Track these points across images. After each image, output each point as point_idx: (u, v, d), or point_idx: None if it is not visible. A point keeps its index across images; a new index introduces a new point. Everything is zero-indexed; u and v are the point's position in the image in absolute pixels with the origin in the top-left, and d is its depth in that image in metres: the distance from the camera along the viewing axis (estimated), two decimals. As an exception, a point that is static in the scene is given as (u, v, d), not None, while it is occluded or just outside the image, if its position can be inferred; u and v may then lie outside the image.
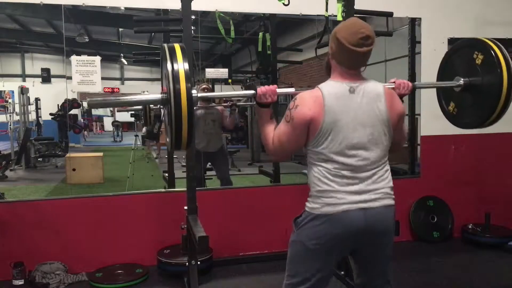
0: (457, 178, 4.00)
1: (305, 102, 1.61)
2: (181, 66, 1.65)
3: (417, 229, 3.90)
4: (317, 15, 3.28)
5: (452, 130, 3.96)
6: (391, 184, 1.69)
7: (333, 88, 1.63)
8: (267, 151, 1.77)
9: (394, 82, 1.92)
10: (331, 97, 1.60)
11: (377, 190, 1.63)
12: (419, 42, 3.92)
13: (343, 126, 1.59)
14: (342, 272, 2.96)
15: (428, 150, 3.99)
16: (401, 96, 1.87)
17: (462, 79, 2.21)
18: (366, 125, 1.61)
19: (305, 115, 1.59)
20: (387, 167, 1.70)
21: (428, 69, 3.83)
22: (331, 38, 1.67)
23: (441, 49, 3.90)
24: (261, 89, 1.77)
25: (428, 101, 3.88)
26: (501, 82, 2.03)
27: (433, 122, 3.92)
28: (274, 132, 1.72)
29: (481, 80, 2.13)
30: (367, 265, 1.76)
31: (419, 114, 3.99)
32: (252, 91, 1.80)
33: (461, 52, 2.28)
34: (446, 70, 2.38)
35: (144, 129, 7.86)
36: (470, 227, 3.90)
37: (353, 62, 1.63)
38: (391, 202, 1.68)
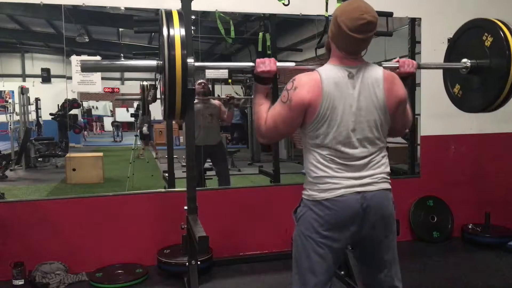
0: (457, 178, 4.00)
1: (304, 84, 1.57)
2: (177, 31, 1.59)
3: (417, 229, 3.90)
4: (317, 15, 3.29)
5: (452, 130, 4.01)
6: (388, 169, 1.67)
7: (331, 72, 1.59)
8: (257, 132, 1.71)
9: (398, 61, 1.88)
10: (329, 82, 1.56)
11: (373, 176, 1.62)
12: (419, 42, 3.92)
13: (340, 112, 1.57)
14: (342, 272, 2.96)
15: (428, 150, 3.98)
16: (407, 75, 1.84)
17: (469, 61, 2.15)
18: (364, 111, 1.59)
19: (304, 98, 1.56)
20: (384, 152, 1.68)
21: (428, 69, 3.83)
22: (332, 20, 1.62)
23: (441, 49, 3.85)
24: (260, 59, 1.72)
25: (428, 101, 3.89)
26: (509, 65, 1.97)
27: (433, 122, 3.94)
28: (268, 112, 1.67)
29: (489, 63, 2.06)
30: (370, 259, 1.72)
31: (419, 114, 3.99)
32: (251, 63, 1.75)
33: (469, 33, 2.21)
34: (453, 51, 2.31)
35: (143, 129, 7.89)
36: (470, 227, 3.89)
37: (352, 48, 1.59)
38: (388, 186, 1.66)
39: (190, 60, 1.64)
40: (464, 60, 2.18)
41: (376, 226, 1.64)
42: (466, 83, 2.26)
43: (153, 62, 1.73)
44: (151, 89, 4.17)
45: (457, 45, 2.31)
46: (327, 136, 1.59)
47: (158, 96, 3.86)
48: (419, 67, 1.99)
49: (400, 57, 1.92)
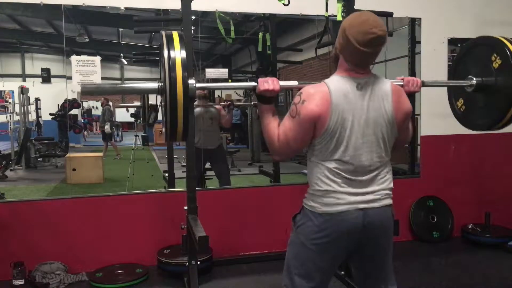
0: (457, 178, 4.00)
1: (312, 97, 1.54)
2: (178, 54, 1.59)
3: (417, 229, 3.90)
4: (317, 15, 3.28)
5: (452, 130, 3.99)
6: (391, 185, 1.67)
7: (340, 83, 1.57)
8: (271, 150, 1.68)
9: (402, 79, 1.87)
10: (338, 94, 1.54)
11: (378, 192, 1.61)
12: (419, 42, 3.92)
13: (349, 125, 1.55)
14: (342, 272, 2.96)
15: (428, 150, 3.98)
16: (410, 94, 1.83)
17: (475, 79, 2.13)
18: (372, 124, 1.57)
19: (313, 112, 1.53)
20: (389, 167, 1.68)
21: (428, 69, 3.84)
22: (340, 32, 1.59)
23: (441, 49, 3.92)
24: (263, 78, 1.69)
25: (428, 101, 3.89)
26: None
27: (433, 122, 3.93)
28: (279, 128, 1.63)
29: (495, 81, 2.04)
30: (368, 270, 1.74)
31: (419, 114, 3.99)
32: (253, 83, 1.72)
33: (477, 51, 2.19)
34: (459, 67, 2.30)
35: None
36: (470, 227, 3.90)
37: (361, 61, 1.58)
38: (390, 202, 1.66)
39: (191, 82, 1.64)
40: (470, 77, 2.16)
41: (375, 243, 1.65)
42: (471, 100, 2.24)
43: (154, 85, 1.73)
44: (152, 111, 4.17)
45: (463, 61, 2.28)
46: (336, 150, 1.56)
47: (159, 117, 3.87)
48: (424, 85, 1.97)
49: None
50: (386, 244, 1.70)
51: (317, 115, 1.53)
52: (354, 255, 1.70)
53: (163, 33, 1.68)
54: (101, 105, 9.03)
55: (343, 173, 1.58)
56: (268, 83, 1.67)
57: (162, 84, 1.63)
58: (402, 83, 1.86)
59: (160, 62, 1.76)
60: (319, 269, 1.65)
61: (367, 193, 1.60)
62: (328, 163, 1.59)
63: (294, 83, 1.85)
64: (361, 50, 1.52)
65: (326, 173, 1.59)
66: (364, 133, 1.57)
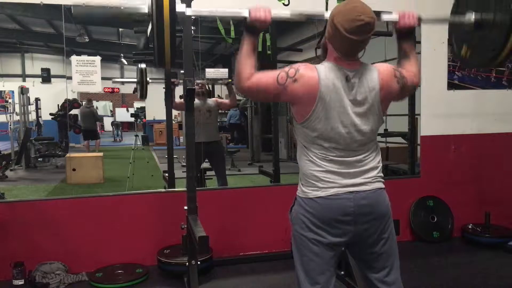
0: (457, 178, 4.00)
1: (303, 79, 1.56)
2: None
3: (417, 229, 3.90)
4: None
5: (452, 130, 4.01)
6: (380, 166, 1.68)
7: (330, 72, 1.58)
8: (237, 80, 1.63)
9: (398, 14, 1.83)
10: (327, 82, 1.56)
11: (366, 174, 1.63)
12: (419, 42, 3.92)
13: (336, 113, 1.57)
14: (342, 272, 2.96)
15: (428, 150, 3.98)
16: (407, 28, 1.80)
17: (473, 14, 2.07)
18: (358, 113, 1.60)
19: (298, 93, 1.57)
20: (377, 151, 1.69)
21: (428, 69, 3.84)
22: (328, 20, 1.60)
23: (441, 49, 3.92)
24: (255, 7, 1.66)
25: (428, 101, 3.89)
26: None
27: (433, 122, 3.94)
28: (256, 73, 1.61)
29: (493, 15, 1.97)
30: (368, 259, 1.70)
31: (419, 114, 4.00)
32: (245, 10, 1.68)
33: None
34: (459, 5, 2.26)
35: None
36: (470, 227, 3.89)
37: (350, 50, 1.57)
38: (381, 185, 1.66)
39: (180, 8, 1.64)
40: (469, 13, 2.09)
41: (370, 225, 1.63)
42: (472, 40, 2.17)
43: (144, 7, 1.73)
44: (137, 88, 4.19)
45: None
46: (320, 134, 1.59)
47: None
48: (421, 19, 1.89)
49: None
50: (384, 229, 1.65)
51: (299, 97, 1.58)
52: (351, 244, 1.67)
53: None
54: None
55: (329, 156, 1.60)
56: (260, 12, 1.65)
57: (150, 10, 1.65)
58: (396, 17, 1.82)
59: None
60: (320, 258, 1.62)
61: (357, 176, 1.61)
62: (315, 147, 1.62)
63: (287, 13, 1.82)
64: (349, 38, 1.51)
65: (313, 157, 1.62)
66: (351, 121, 1.58)
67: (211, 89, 7.23)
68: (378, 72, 1.63)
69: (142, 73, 4.19)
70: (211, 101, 4.53)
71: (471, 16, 2.08)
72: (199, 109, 4.23)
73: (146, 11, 1.70)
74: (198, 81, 4.33)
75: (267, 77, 1.61)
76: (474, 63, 2.27)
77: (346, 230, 1.61)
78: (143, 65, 4.31)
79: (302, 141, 1.66)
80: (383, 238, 1.66)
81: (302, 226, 1.63)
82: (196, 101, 4.16)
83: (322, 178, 1.60)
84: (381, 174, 1.68)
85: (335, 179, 1.60)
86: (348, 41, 1.52)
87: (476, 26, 2.08)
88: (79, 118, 8.48)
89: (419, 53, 3.93)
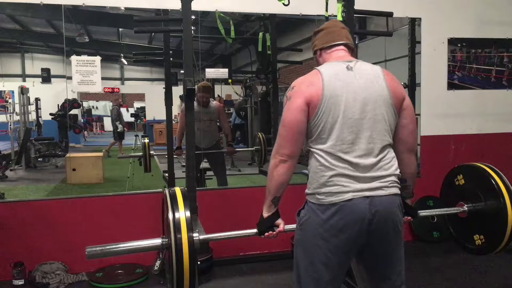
0: (457, 178, 3.99)
1: (301, 82, 1.60)
2: (183, 214, 1.69)
3: (417, 229, 3.90)
4: (317, 15, 3.28)
5: (452, 130, 4.01)
6: (398, 171, 1.60)
7: (330, 66, 1.62)
8: (274, 158, 1.63)
9: None
10: (329, 72, 1.58)
11: (383, 178, 1.54)
12: (419, 42, 3.92)
13: (344, 101, 1.53)
14: (342, 272, 2.96)
15: (428, 150, 3.98)
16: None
17: (465, 205, 2.30)
18: (368, 102, 1.54)
19: (303, 92, 1.56)
20: (393, 153, 1.62)
21: (428, 69, 3.84)
22: (312, 41, 1.77)
23: (441, 49, 3.91)
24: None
25: (428, 101, 3.89)
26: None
27: (433, 122, 3.94)
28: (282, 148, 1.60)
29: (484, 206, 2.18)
30: (376, 265, 1.66)
31: (419, 114, 3.99)
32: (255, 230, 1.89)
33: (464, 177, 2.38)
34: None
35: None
36: (470, 227, 3.89)
37: (336, 34, 1.70)
38: (397, 191, 1.58)
39: (195, 235, 1.70)
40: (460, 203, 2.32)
41: (384, 233, 1.56)
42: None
43: (157, 241, 1.79)
44: (141, 161, 4.39)
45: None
46: (332, 129, 1.53)
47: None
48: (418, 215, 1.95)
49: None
50: (394, 239, 1.60)
51: (308, 95, 1.55)
52: (364, 252, 1.62)
53: (167, 192, 1.79)
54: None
55: (344, 156, 1.52)
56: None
57: (167, 240, 1.71)
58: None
59: (162, 218, 1.89)
60: (329, 268, 1.57)
61: (373, 179, 1.52)
62: (327, 146, 1.54)
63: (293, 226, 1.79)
64: (329, 31, 1.71)
65: (326, 157, 1.54)
66: (362, 109, 1.54)
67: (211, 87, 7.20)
68: (380, 67, 1.66)
69: (145, 147, 4.36)
70: (213, 108, 4.40)
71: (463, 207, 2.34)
72: (200, 118, 4.20)
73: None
74: (202, 83, 4.29)
75: (279, 129, 1.60)
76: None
77: (360, 237, 1.54)
78: (146, 140, 4.58)
79: (312, 143, 1.59)
80: (396, 246, 1.63)
81: (315, 234, 1.56)
82: (197, 108, 4.17)
83: (335, 181, 1.52)
84: (398, 179, 1.60)
85: (350, 183, 1.51)
86: (331, 29, 1.72)
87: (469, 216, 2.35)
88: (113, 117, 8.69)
89: (419, 53, 3.93)
